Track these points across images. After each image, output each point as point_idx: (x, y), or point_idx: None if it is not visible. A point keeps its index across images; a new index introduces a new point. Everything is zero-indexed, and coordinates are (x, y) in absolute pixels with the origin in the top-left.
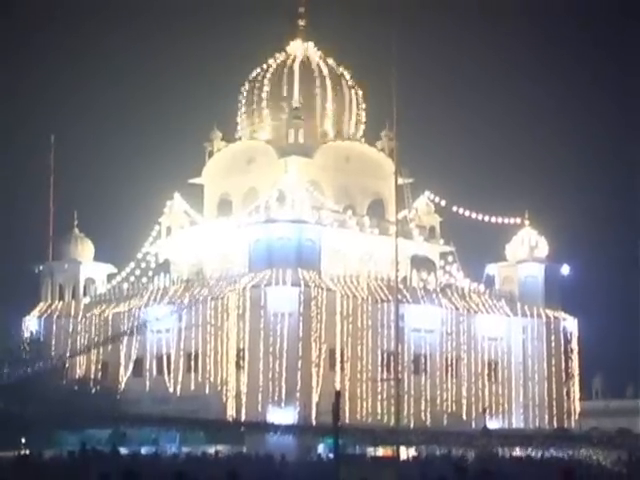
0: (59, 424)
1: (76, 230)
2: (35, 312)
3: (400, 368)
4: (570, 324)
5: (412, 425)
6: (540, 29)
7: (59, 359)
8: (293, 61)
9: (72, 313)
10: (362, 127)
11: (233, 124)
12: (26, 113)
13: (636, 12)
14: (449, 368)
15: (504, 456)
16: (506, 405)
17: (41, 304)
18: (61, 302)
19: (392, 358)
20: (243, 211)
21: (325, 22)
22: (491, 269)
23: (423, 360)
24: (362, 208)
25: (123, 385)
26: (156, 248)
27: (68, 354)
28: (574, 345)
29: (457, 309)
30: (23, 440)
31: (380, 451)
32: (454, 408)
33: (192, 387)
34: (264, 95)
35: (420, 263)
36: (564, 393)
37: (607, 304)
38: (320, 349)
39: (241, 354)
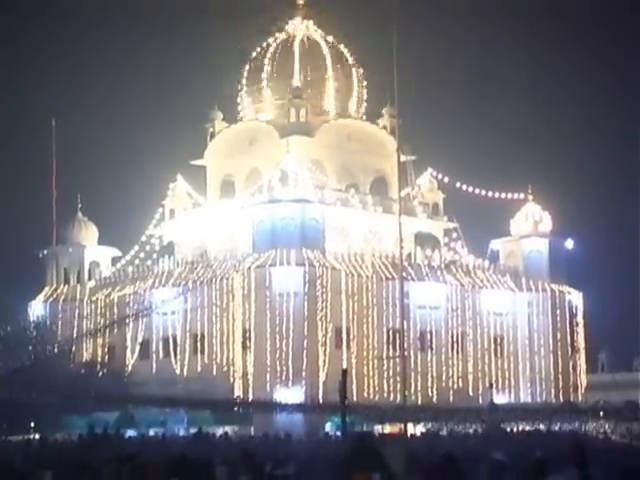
0: (67, 408)
1: (80, 214)
2: (40, 297)
3: (406, 345)
4: (575, 298)
5: (419, 402)
6: (544, 3)
7: (65, 343)
8: (293, 40)
9: (77, 297)
10: (364, 105)
11: (234, 105)
12: (27, 97)
13: None
14: (455, 344)
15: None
16: (512, 380)
17: (46, 289)
18: (66, 286)
19: (398, 335)
20: (246, 192)
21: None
22: (495, 245)
23: (429, 337)
24: (365, 186)
25: (130, 368)
26: (160, 230)
27: (74, 338)
28: (579, 319)
29: (462, 285)
30: (32, 424)
31: (388, 428)
32: (461, 384)
33: (199, 369)
34: (264, 75)
35: (424, 240)
36: (570, 367)
37: (612, 277)
38: (326, 328)
39: (247, 335)
